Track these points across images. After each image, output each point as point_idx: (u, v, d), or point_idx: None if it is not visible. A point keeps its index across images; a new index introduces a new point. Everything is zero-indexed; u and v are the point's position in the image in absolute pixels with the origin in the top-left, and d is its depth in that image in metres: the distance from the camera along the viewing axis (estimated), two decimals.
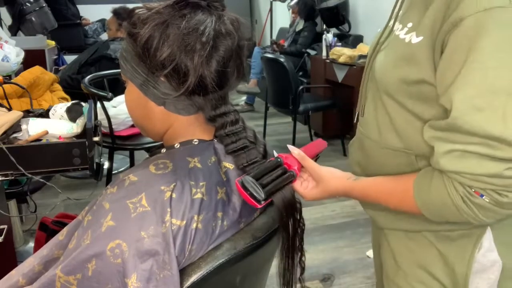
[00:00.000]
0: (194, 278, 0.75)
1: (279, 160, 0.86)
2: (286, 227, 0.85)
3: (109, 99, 2.34)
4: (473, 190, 0.71)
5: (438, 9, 0.73)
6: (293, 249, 0.88)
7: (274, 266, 0.99)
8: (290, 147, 0.90)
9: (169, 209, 0.74)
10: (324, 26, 4.79)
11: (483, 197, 0.70)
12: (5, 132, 1.33)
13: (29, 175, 1.33)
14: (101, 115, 2.37)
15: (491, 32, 0.66)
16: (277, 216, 0.85)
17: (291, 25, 5.49)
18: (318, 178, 0.88)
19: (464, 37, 0.68)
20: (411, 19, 0.81)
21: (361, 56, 3.74)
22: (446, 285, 0.86)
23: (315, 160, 0.95)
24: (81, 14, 5.75)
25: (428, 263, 0.88)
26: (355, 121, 0.98)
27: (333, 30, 4.85)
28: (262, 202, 0.80)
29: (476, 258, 0.84)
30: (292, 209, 0.85)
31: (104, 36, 5.59)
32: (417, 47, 0.76)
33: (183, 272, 0.75)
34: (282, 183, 0.84)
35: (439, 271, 0.87)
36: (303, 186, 0.89)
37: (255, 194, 0.80)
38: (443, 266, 0.86)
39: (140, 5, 0.80)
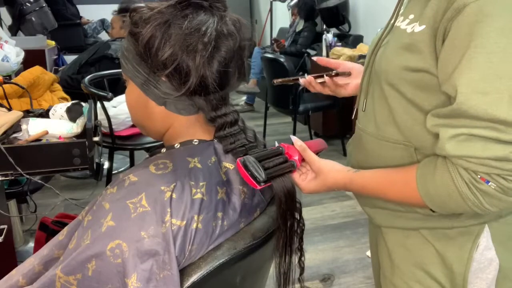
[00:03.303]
0: (194, 278, 0.75)
1: (281, 149, 0.87)
2: (284, 217, 0.84)
3: (109, 99, 2.34)
4: (478, 176, 0.70)
5: None
6: (290, 243, 0.87)
7: (274, 266, 0.99)
8: (293, 137, 0.90)
9: (169, 209, 0.74)
10: (324, 26, 4.78)
11: (489, 183, 0.70)
12: (5, 132, 1.33)
13: (27, 176, 1.33)
14: (101, 115, 2.37)
15: (495, 17, 0.66)
16: (275, 204, 0.84)
17: (291, 25, 5.49)
18: (317, 170, 0.88)
19: (467, 23, 0.68)
20: (412, 11, 0.81)
21: (361, 56, 3.75)
22: (444, 285, 0.86)
23: None
24: (80, 15, 5.74)
25: (425, 262, 0.87)
26: (353, 117, 0.98)
27: (333, 30, 4.85)
28: (262, 184, 0.80)
29: (474, 257, 0.83)
30: (291, 199, 0.84)
31: (104, 35, 5.60)
32: (420, 35, 0.75)
33: (183, 272, 0.75)
34: (282, 170, 0.84)
35: (437, 270, 0.86)
36: (301, 178, 0.89)
37: (256, 174, 0.79)
38: (441, 266, 0.86)
39: (142, 4, 0.80)
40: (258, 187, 0.80)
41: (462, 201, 0.72)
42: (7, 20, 3.49)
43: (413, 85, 0.79)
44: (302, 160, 0.89)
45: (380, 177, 0.84)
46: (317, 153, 0.95)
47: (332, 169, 0.87)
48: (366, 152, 0.91)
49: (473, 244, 0.83)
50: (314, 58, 1.18)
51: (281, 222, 0.84)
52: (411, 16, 0.80)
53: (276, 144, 0.89)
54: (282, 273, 0.88)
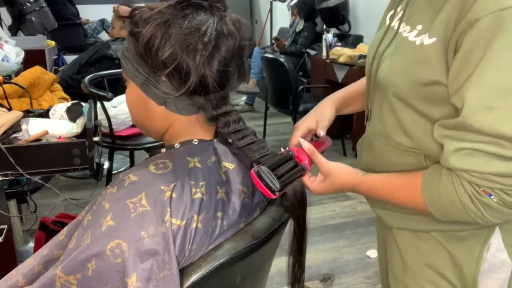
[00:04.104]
0: (194, 278, 0.75)
1: (290, 153, 0.88)
2: (298, 220, 0.86)
3: (109, 99, 2.34)
4: (481, 189, 0.70)
5: (452, 10, 0.72)
6: (303, 243, 0.88)
7: (274, 266, 0.99)
8: (301, 140, 0.91)
9: (169, 209, 0.74)
10: (324, 26, 4.79)
11: (491, 197, 0.70)
12: (5, 132, 1.33)
13: (28, 176, 1.33)
14: (101, 115, 2.37)
15: (506, 32, 0.66)
16: (289, 208, 0.85)
17: (291, 25, 5.49)
18: (326, 172, 0.88)
19: (479, 37, 0.68)
20: (420, 22, 0.80)
21: (361, 56, 3.74)
22: (456, 286, 0.87)
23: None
24: (80, 16, 5.74)
25: (437, 263, 0.88)
26: (365, 123, 0.99)
27: (333, 30, 4.86)
28: (277, 193, 0.81)
29: (485, 258, 0.84)
30: (303, 202, 0.85)
31: (104, 35, 5.60)
32: (430, 48, 0.75)
33: (183, 272, 0.75)
34: (294, 176, 0.85)
35: (448, 271, 0.87)
36: (310, 180, 0.89)
37: (270, 184, 0.80)
38: (452, 267, 0.86)
39: (142, 4, 0.80)
40: (273, 197, 0.81)
41: (465, 212, 0.73)
42: (7, 20, 3.49)
43: (424, 99, 0.79)
44: (311, 162, 0.90)
45: (387, 180, 0.85)
46: (322, 151, 0.97)
47: (341, 172, 0.88)
48: (376, 156, 0.92)
49: (483, 246, 0.84)
50: (301, 141, 0.93)
51: (296, 225, 0.86)
52: (419, 27, 0.79)
53: (285, 148, 0.90)
54: (296, 272, 0.89)
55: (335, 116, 1.03)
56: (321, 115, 1.00)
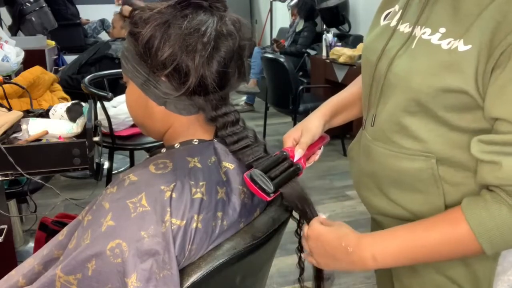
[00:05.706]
0: (194, 278, 0.75)
1: (284, 153, 0.87)
2: (305, 215, 0.86)
3: (109, 99, 2.34)
4: None
5: (490, 18, 0.70)
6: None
7: (274, 266, 0.99)
8: (322, 214, 0.88)
9: (169, 209, 0.74)
10: (324, 26, 4.79)
11: None
12: (5, 132, 1.33)
13: (28, 176, 1.33)
14: (101, 115, 2.37)
15: None
16: (292, 207, 0.86)
17: (291, 25, 5.50)
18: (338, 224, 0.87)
19: None
20: (442, 24, 0.77)
21: (361, 56, 3.74)
22: None
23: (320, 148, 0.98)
24: (80, 15, 5.75)
25: (447, 268, 0.86)
26: (362, 129, 0.95)
27: (333, 30, 4.86)
28: (271, 195, 0.81)
29: (498, 260, 0.83)
30: (304, 200, 0.85)
31: (104, 35, 5.61)
32: (465, 55, 0.72)
33: (183, 272, 0.75)
34: (289, 176, 0.84)
35: (459, 276, 0.85)
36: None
37: (264, 187, 0.80)
38: (464, 271, 0.85)
39: (142, 5, 0.80)
40: (268, 199, 0.81)
41: None
42: (7, 20, 3.49)
43: (448, 106, 0.76)
44: (307, 159, 0.89)
45: (420, 242, 0.76)
46: (322, 146, 0.97)
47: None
48: (378, 164, 0.89)
49: None
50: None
51: (304, 219, 0.86)
52: (442, 30, 0.76)
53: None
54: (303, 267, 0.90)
55: (324, 127, 0.98)
56: (307, 126, 0.96)
